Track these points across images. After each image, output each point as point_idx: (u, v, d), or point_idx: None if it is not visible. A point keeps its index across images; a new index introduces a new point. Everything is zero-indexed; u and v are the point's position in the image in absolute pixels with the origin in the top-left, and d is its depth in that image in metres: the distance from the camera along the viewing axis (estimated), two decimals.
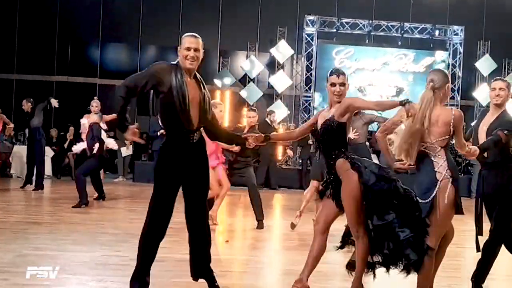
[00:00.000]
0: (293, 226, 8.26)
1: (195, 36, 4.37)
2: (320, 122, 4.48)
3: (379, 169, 4.25)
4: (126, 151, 15.47)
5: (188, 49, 4.30)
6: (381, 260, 4.30)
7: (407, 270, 4.19)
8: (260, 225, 8.34)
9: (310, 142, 14.89)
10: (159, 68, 4.27)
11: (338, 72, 4.42)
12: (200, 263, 4.58)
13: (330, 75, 4.43)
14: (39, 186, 11.78)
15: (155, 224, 4.33)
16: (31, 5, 18.34)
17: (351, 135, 7.76)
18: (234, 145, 6.78)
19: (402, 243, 4.11)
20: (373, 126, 17.04)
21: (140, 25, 18.57)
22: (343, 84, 4.38)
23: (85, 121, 9.97)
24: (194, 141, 4.38)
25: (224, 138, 5.04)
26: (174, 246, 6.02)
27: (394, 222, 4.14)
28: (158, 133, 13.98)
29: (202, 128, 4.49)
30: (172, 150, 4.36)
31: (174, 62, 4.38)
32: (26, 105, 11.90)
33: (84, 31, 18.61)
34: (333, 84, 4.39)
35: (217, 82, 17.73)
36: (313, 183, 8.16)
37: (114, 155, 16.12)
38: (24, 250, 5.94)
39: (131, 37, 18.62)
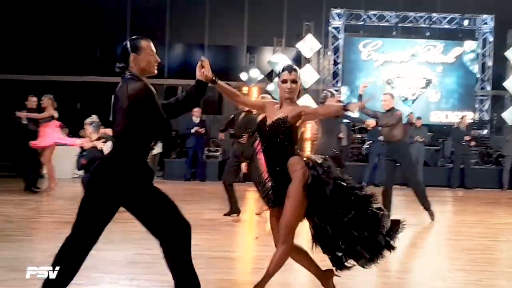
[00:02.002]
0: None
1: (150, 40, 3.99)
2: (270, 119, 4.29)
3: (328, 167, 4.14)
4: (156, 149, 15.59)
5: (153, 53, 3.94)
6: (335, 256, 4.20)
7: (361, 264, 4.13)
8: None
9: (341, 135, 14.90)
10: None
11: (290, 69, 4.27)
12: None
13: (282, 71, 4.30)
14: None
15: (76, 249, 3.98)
16: (61, 4, 18.58)
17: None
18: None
19: (355, 241, 4.05)
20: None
21: (167, 23, 18.69)
22: (294, 81, 4.23)
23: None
24: (147, 159, 3.93)
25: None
26: (205, 243, 6.06)
27: (347, 219, 4.05)
28: (192, 131, 14.07)
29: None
30: (124, 168, 3.76)
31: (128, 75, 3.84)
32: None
33: (113, 30, 18.78)
34: (284, 81, 4.24)
35: (244, 78, 17.76)
36: None
37: None
38: (57, 249, 6.02)
39: (158, 35, 18.72)
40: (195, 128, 14.39)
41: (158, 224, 3.93)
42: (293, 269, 5.25)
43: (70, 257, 3.88)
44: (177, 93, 16.65)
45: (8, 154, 15.09)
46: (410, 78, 18.25)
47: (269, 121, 4.28)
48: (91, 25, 18.59)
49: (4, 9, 18.22)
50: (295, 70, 4.27)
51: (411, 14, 18.37)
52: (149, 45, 3.91)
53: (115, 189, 3.74)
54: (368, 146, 15.83)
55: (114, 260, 5.65)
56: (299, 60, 18.26)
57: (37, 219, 8.22)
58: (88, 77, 18.49)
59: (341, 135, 14.81)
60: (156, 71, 3.96)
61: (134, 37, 3.94)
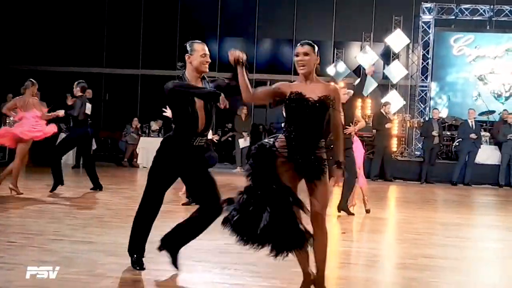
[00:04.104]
0: None
1: (204, 44, 4.85)
2: (310, 96, 4.17)
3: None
4: (244, 142, 15.90)
5: (204, 55, 4.75)
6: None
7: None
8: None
9: (434, 133, 14.71)
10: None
11: (303, 43, 4.22)
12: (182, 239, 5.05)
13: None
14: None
15: (146, 210, 5.00)
16: (155, 2, 19.24)
17: None
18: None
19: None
20: (494, 117, 16.44)
21: (256, 19, 18.94)
22: (306, 54, 4.14)
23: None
24: (195, 144, 4.77)
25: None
26: None
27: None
28: (283, 125, 14.26)
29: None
30: (173, 147, 4.78)
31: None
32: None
33: (204, 27, 19.20)
34: (296, 55, 4.20)
35: (331, 73, 17.77)
36: None
37: (232, 146, 16.67)
38: (154, 238, 6.34)
39: (247, 31, 19.00)
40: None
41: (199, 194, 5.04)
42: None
43: (143, 220, 5.03)
44: None
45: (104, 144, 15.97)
46: (505, 73, 17.65)
47: (311, 96, 4.15)
48: (174, 22, 19.14)
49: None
50: (309, 44, 4.20)
51: (506, 7, 17.71)
52: (202, 48, 4.76)
53: (168, 160, 4.78)
54: (458, 144, 15.49)
55: (206, 249, 5.85)
56: (387, 55, 18.08)
57: (133, 207, 8.58)
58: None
59: (434, 133, 14.69)
60: (207, 70, 4.80)
61: (192, 40, 4.85)
